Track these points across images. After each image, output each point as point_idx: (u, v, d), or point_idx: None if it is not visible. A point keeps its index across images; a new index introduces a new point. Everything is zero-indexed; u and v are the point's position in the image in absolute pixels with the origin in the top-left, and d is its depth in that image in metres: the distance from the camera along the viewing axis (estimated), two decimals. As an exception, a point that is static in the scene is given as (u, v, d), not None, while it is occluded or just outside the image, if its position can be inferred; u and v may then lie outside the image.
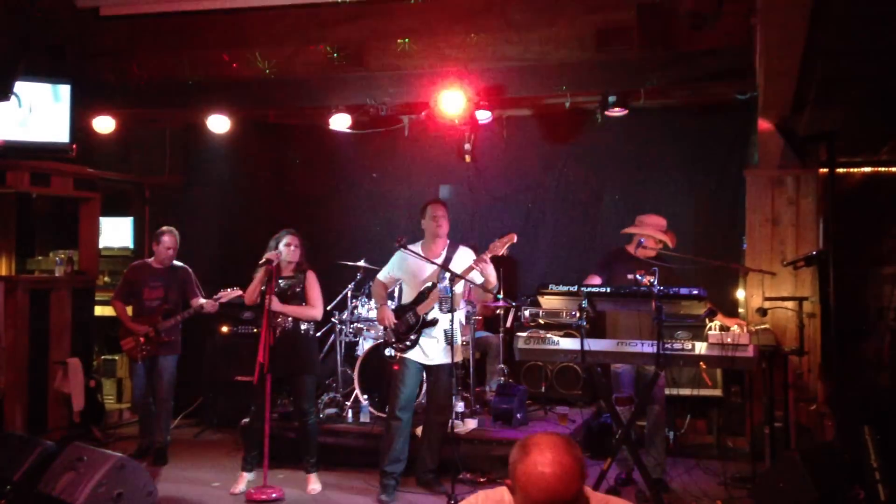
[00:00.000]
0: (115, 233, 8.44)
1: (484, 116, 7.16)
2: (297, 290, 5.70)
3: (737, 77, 6.37)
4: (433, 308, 5.45)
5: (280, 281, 5.65)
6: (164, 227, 6.45)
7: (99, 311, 7.72)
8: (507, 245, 5.29)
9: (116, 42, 7.53)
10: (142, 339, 6.23)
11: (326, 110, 7.42)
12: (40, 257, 7.69)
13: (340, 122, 7.37)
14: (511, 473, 2.12)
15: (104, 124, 7.53)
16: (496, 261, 5.37)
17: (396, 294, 6.07)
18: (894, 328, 5.68)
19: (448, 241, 5.59)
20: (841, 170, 6.15)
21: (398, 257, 5.66)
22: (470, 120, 7.18)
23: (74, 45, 7.50)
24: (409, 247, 5.48)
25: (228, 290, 6.05)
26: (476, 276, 5.40)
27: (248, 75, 7.39)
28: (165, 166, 8.70)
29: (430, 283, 5.48)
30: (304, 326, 5.72)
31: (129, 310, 6.45)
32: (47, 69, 7.12)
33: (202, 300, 6.30)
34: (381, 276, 5.76)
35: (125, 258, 8.22)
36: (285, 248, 5.64)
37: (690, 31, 6.34)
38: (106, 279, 8.22)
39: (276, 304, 5.51)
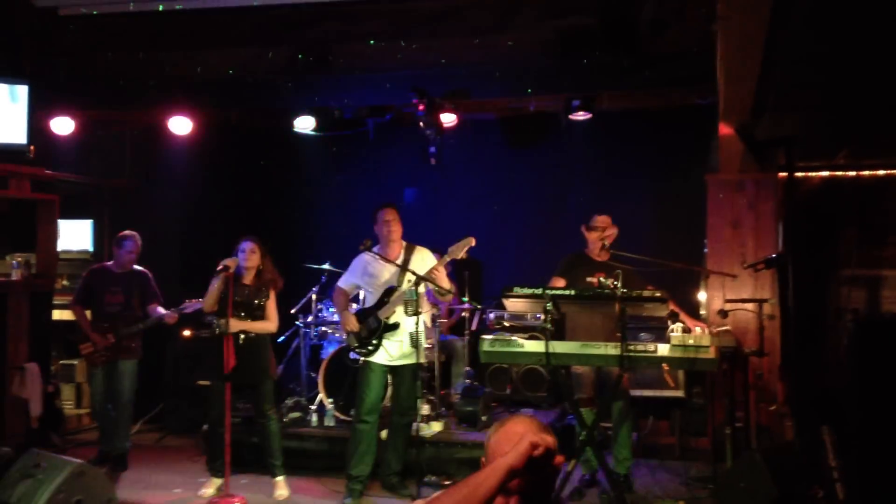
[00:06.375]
0: (74, 236, 8.28)
1: (449, 119, 7.17)
2: (261, 302, 5.64)
3: (698, 82, 6.47)
4: (395, 311, 5.43)
5: (242, 289, 5.59)
6: (127, 232, 6.34)
7: (57, 314, 7.57)
8: (465, 248, 5.29)
9: (76, 42, 7.40)
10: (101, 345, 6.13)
11: (290, 112, 7.37)
12: (-4, 260, 7.52)
13: (304, 124, 7.33)
14: (486, 448, 2.18)
15: (63, 126, 7.40)
16: (461, 264, 5.37)
17: (361, 298, 6.05)
18: (851, 329, 5.79)
19: (405, 244, 5.57)
20: (799, 174, 6.25)
21: (359, 263, 5.64)
22: (435, 123, 7.18)
23: (32, 45, 7.35)
24: (372, 250, 5.47)
25: (193, 300, 5.97)
26: (434, 279, 5.40)
27: (210, 77, 7.31)
28: (126, 168, 8.57)
29: (390, 287, 5.46)
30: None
31: (89, 314, 6.33)
32: (4, 69, 6.97)
33: (161, 310, 6.22)
34: (342, 283, 5.72)
35: (84, 261, 8.08)
36: (241, 255, 5.56)
37: (653, 37, 6.42)
38: (64, 283, 8.05)
39: (236, 325, 5.45)
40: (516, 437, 2.04)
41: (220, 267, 5.43)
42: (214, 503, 5.33)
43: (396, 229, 5.50)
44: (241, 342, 5.48)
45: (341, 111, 7.23)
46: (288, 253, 7.67)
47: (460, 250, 5.28)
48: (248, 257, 5.57)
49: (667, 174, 7.40)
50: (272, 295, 5.72)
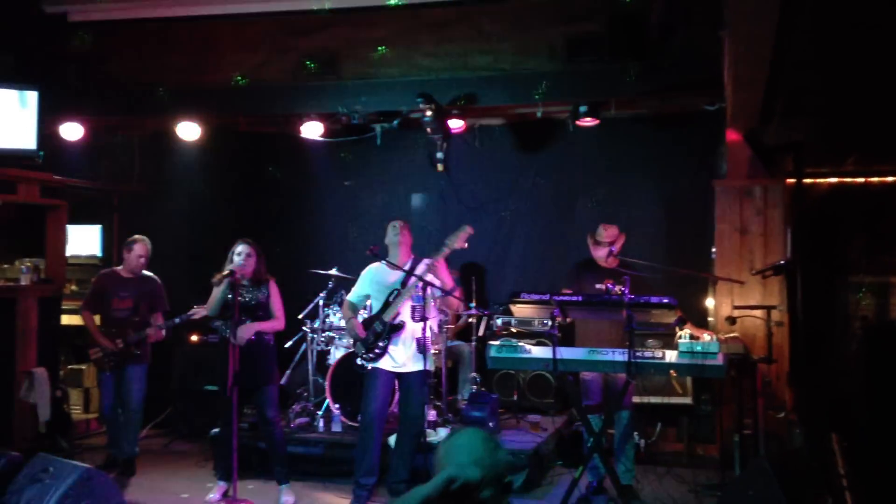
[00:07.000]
0: (83, 241, 8.32)
1: (456, 125, 7.18)
2: (261, 301, 5.63)
3: (705, 88, 6.46)
4: (399, 313, 5.44)
5: (239, 292, 5.57)
6: (137, 236, 6.35)
7: (66, 319, 7.60)
8: (462, 238, 5.30)
9: (85, 48, 7.44)
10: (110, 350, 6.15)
11: (298, 118, 7.39)
12: (6, 265, 7.54)
13: (312, 130, 7.35)
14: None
15: (72, 131, 7.44)
16: (467, 270, 5.37)
17: (368, 305, 6.05)
18: (860, 336, 5.76)
19: (413, 255, 5.60)
20: (808, 180, 6.23)
21: (367, 274, 5.66)
22: (442, 129, 7.18)
23: (42, 52, 7.40)
24: (380, 260, 5.49)
25: (200, 307, 5.94)
26: (435, 280, 5.40)
27: (218, 82, 7.34)
28: (134, 174, 8.61)
29: (394, 290, 5.47)
30: (266, 336, 5.68)
31: (98, 318, 6.35)
32: (14, 75, 7.01)
33: (157, 322, 6.23)
34: (351, 297, 5.73)
35: (93, 266, 8.10)
36: (239, 258, 5.52)
37: (660, 42, 6.42)
38: (73, 288, 8.09)
39: (244, 329, 5.45)
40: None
41: (226, 272, 5.43)
42: (222, 508, 5.34)
43: (406, 235, 5.57)
44: (245, 346, 5.46)
45: (349, 117, 7.24)
46: (296, 258, 7.71)
47: (458, 239, 5.30)
48: (246, 261, 5.56)
49: (674, 180, 7.39)
50: (273, 292, 5.72)
